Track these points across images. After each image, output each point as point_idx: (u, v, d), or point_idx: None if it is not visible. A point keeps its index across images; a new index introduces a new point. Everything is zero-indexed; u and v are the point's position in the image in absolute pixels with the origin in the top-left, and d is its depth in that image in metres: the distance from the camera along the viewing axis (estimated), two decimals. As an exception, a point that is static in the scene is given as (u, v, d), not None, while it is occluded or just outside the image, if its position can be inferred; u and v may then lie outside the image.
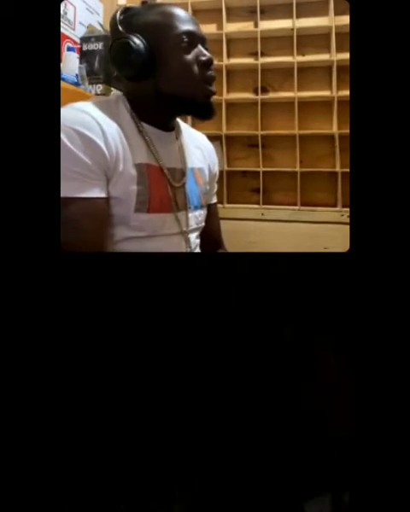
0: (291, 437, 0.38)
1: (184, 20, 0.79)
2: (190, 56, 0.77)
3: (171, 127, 0.88)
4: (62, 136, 0.70)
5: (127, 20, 0.80)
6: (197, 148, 0.95)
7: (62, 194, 0.66)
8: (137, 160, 0.78)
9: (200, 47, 0.79)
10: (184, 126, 0.96)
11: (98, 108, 0.77)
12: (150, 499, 0.38)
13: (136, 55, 0.75)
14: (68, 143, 0.70)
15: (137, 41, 0.76)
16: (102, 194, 0.74)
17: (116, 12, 0.81)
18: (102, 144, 0.73)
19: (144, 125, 0.82)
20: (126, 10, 0.81)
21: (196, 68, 0.78)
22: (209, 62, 0.78)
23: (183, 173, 0.88)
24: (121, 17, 0.80)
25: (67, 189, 0.69)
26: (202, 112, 0.82)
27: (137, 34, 0.77)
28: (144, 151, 0.80)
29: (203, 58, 0.78)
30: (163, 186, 0.82)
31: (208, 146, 1.01)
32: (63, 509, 0.38)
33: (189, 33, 0.77)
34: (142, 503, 0.38)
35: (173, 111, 0.83)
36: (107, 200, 0.75)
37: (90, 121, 0.73)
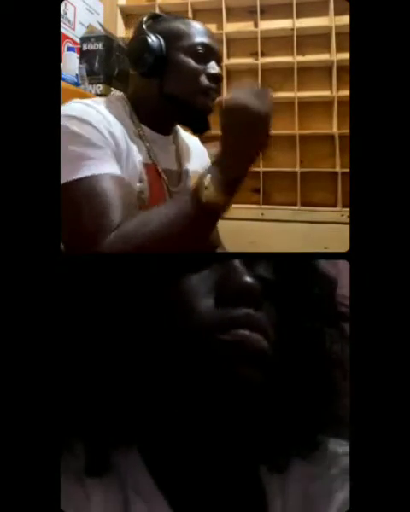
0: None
1: (202, 32, 0.82)
2: (199, 66, 0.80)
3: (169, 131, 0.89)
4: (68, 124, 0.70)
5: (152, 23, 0.84)
6: (193, 151, 0.97)
7: (81, 175, 0.66)
8: (138, 159, 0.79)
9: (213, 62, 0.81)
10: (181, 131, 0.97)
11: (103, 106, 0.79)
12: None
13: (150, 51, 0.78)
14: (76, 129, 0.70)
15: (154, 39, 0.79)
16: (119, 173, 0.72)
17: (143, 16, 0.86)
18: (106, 133, 0.74)
19: (144, 127, 0.83)
20: (153, 16, 0.86)
21: (204, 78, 0.80)
22: (217, 76, 0.81)
23: (179, 176, 0.88)
24: (147, 19, 0.85)
25: (88, 168, 0.68)
26: (196, 123, 0.83)
27: (157, 34, 0.80)
28: (144, 152, 0.81)
29: (212, 71, 0.80)
30: (161, 187, 0.83)
31: (202, 149, 1.03)
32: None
33: (205, 45, 0.80)
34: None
35: (171, 113, 0.84)
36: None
37: (95, 113, 0.74)
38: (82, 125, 0.71)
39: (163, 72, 0.79)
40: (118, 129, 0.76)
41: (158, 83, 0.80)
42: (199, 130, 0.84)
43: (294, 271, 0.43)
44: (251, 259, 0.41)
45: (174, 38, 0.80)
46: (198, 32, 0.81)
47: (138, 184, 0.77)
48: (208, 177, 0.61)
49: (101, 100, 0.83)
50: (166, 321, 0.38)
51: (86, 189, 0.66)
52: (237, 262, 0.39)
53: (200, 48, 0.79)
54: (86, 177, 0.67)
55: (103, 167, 0.69)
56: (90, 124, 0.72)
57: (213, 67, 0.80)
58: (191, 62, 0.79)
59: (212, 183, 0.60)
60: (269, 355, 0.38)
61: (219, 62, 0.82)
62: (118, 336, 0.38)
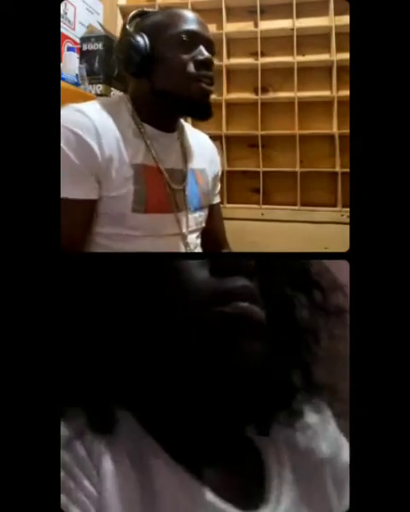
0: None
1: (187, 20, 0.80)
2: (186, 54, 0.78)
3: (173, 128, 0.88)
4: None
5: (137, 22, 0.83)
6: (199, 148, 0.95)
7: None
8: (134, 161, 0.79)
9: (201, 47, 0.79)
10: (188, 127, 0.96)
11: (96, 109, 0.78)
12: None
13: (136, 51, 0.77)
14: (61, 143, 0.71)
15: (138, 38, 0.78)
16: (90, 196, 0.75)
17: (130, 14, 0.84)
18: (94, 145, 0.74)
19: (146, 125, 0.82)
20: (139, 13, 0.84)
21: (191, 66, 0.78)
22: (206, 62, 0.78)
23: (183, 174, 0.87)
24: (132, 18, 0.83)
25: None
26: (196, 111, 0.82)
27: (141, 33, 0.79)
28: (143, 152, 0.80)
29: (200, 57, 0.78)
30: (161, 187, 0.82)
31: (211, 146, 1.01)
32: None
33: (189, 32, 0.78)
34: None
35: (169, 109, 0.83)
36: (91, 202, 0.76)
37: (85, 121, 0.74)
38: (69, 140, 0.72)
39: (151, 69, 0.79)
40: (110, 136, 0.76)
41: (148, 80, 0.80)
42: (201, 116, 0.83)
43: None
44: (251, 259, 0.41)
45: (158, 32, 0.79)
46: (182, 20, 0.79)
47: (132, 187, 0.77)
48: None
49: (100, 102, 0.83)
50: (165, 296, 0.39)
51: None
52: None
53: (184, 35, 0.78)
54: None
55: (67, 191, 0.71)
56: (79, 137, 0.72)
57: (200, 53, 0.78)
58: (176, 53, 0.78)
59: None
60: (265, 326, 0.39)
61: (208, 47, 0.80)
62: (119, 313, 0.39)
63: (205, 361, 0.38)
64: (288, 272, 0.45)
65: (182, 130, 0.92)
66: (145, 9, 0.86)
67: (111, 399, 0.39)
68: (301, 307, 0.45)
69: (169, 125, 0.87)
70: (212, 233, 0.99)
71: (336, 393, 0.47)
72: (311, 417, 0.48)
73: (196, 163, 0.92)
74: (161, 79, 0.79)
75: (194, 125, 1.01)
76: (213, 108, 0.81)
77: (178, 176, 0.86)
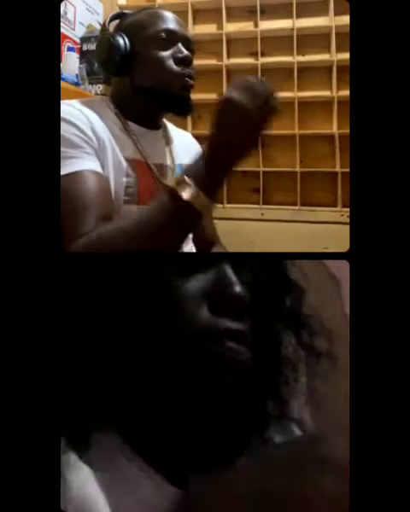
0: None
1: (165, 19, 0.81)
2: (165, 52, 0.79)
3: (157, 125, 0.89)
4: None
5: (118, 22, 0.85)
6: (184, 145, 0.96)
7: (62, 172, 0.67)
8: (124, 155, 0.79)
9: (179, 45, 0.80)
10: (171, 126, 0.97)
11: (84, 105, 0.79)
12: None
13: (115, 51, 0.78)
14: (61, 131, 0.71)
15: (117, 38, 0.79)
16: (100, 170, 0.74)
17: (110, 15, 0.87)
18: (90, 133, 0.74)
19: (130, 123, 0.83)
20: (119, 14, 0.87)
21: (170, 63, 0.79)
22: (185, 59, 0.80)
23: (171, 170, 0.88)
24: (111, 19, 0.86)
25: (69, 166, 0.69)
26: (177, 105, 0.82)
27: (120, 33, 0.80)
28: (131, 147, 0.81)
29: (180, 55, 0.79)
30: (151, 181, 0.83)
31: (195, 144, 1.02)
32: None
33: (167, 31, 0.80)
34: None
35: (151, 106, 0.84)
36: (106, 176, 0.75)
37: (78, 113, 0.75)
38: (64, 126, 0.72)
39: (132, 68, 0.80)
40: (100, 127, 0.77)
41: (129, 79, 0.81)
42: (182, 112, 0.84)
43: (270, 279, 0.46)
44: (248, 260, 0.41)
45: (136, 31, 0.80)
46: (160, 19, 0.81)
47: (124, 179, 0.78)
48: (190, 175, 0.59)
49: (84, 101, 0.84)
50: (160, 319, 0.40)
51: (65, 187, 0.66)
52: (228, 269, 0.41)
53: (162, 34, 0.79)
54: (66, 175, 0.68)
55: (82, 164, 0.70)
56: (73, 123, 0.73)
57: (179, 51, 0.80)
58: (155, 51, 0.79)
59: (194, 183, 0.58)
60: (248, 365, 0.42)
61: (187, 45, 0.81)
62: (112, 330, 0.40)
63: (185, 382, 0.40)
64: (280, 310, 0.47)
65: (165, 129, 0.93)
66: (125, 11, 0.88)
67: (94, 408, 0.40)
68: (287, 345, 0.47)
69: (153, 123, 0.88)
70: (201, 229, 0.99)
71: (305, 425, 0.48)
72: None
73: (182, 159, 0.92)
74: (141, 77, 0.80)
75: (195, 124, 1.02)
76: (190, 88, 0.82)
77: (166, 171, 0.87)
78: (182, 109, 0.83)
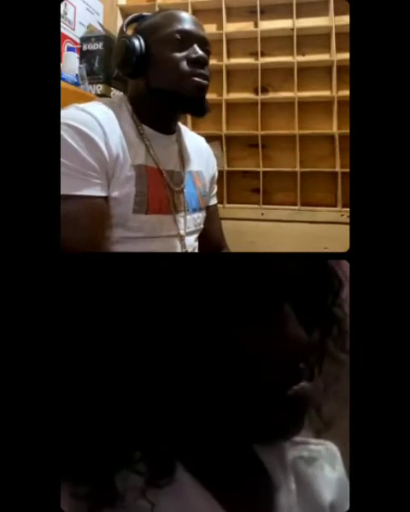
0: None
1: (181, 20, 0.81)
2: (179, 53, 0.79)
3: (171, 130, 0.88)
4: (64, 133, 0.70)
5: (136, 24, 0.85)
6: (196, 151, 0.96)
7: (63, 192, 0.66)
8: (136, 162, 0.79)
9: (195, 46, 0.80)
10: (185, 130, 0.96)
11: (101, 110, 0.79)
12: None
13: (131, 52, 0.78)
14: (70, 141, 0.71)
15: (134, 40, 0.79)
16: (103, 194, 0.75)
17: (128, 18, 0.87)
18: (102, 144, 0.73)
19: (145, 127, 0.83)
20: (136, 17, 0.87)
21: (184, 64, 0.79)
22: (200, 60, 0.79)
23: (181, 176, 0.88)
24: (130, 22, 0.86)
25: (68, 187, 0.70)
26: (192, 106, 0.82)
27: (137, 35, 0.80)
28: (143, 153, 0.81)
29: (194, 55, 0.79)
30: (162, 188, 0.82)
31: (207, 149, 1.03)
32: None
33: (183, 31, 0.79)
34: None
35: (166, 108, 0.84)
36: (107, 199, 0.76)
37: (92, 121, 0.74)
38: (78, 138, 0.72)
39: (147, 69, 0.80)
40: (115, 136, 0.77)
41: (144, 80, 0.81)
42: (197, 112, 0.84)
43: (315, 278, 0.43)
44: (252, 261, 0.41)
45: (152, 33, 0.80)
46: (176, 20, 0.81)
47: (134, 188, 0.77)
48: None
49: (102, 102, 0.83)
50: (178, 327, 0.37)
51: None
52: (288, 308, 0.39)
53: (177, 35, 0.79)
54: (65, 196, 0.68)
55: (83, 189, 0.71)
56: (87, 136, 0.72)
57: (194, 52, 0.79)
58: (170, 52, 0.79)
59: None
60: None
61: (203, 45, 0.81)
62: (118, 339, 0.37)
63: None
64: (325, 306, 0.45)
65: (180, 133, 0.92)
66: (143, 14, 0.88)
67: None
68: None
69: (167, 127, 0.87)
70: (209, 234, 1.00)
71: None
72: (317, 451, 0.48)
73: (193, 165, 0.92)
74: (156, 78, 0.80)
75: (195, 124, 1.02)
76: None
77: (177, 177, 0.87)
78: (196, 110, 0.83)
